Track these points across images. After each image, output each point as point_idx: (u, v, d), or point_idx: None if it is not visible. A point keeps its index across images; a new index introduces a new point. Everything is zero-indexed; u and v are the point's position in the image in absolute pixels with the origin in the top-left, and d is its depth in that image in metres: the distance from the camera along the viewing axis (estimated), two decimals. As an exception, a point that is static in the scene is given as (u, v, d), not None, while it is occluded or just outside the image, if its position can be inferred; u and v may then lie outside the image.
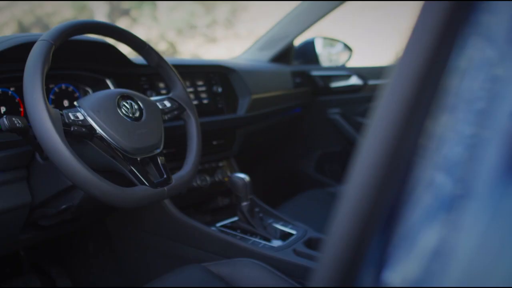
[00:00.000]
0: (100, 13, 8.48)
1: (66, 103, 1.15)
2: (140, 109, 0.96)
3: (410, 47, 0.31)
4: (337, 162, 2.11)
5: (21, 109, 1.04)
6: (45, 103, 0.78)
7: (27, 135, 0.88)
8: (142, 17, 9.01)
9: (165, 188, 0.92)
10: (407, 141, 0.31)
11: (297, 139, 2.18)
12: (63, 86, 1.15)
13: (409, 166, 0.31)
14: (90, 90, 1.20)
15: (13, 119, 0.84)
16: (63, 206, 1.01)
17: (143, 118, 0.95)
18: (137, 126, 0.93)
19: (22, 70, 0.83)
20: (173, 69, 1.08)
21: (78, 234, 1.51)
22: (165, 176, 0.95)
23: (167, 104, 1.05)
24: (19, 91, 1.03)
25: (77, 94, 1.18)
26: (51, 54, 0.84)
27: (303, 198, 1.70)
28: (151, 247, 1.36)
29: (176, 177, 0.97)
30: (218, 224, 1.33)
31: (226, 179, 1.46)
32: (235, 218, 1.35)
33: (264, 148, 2.13)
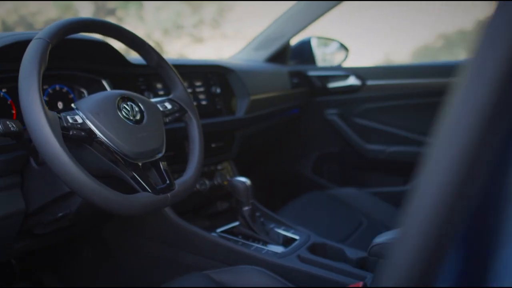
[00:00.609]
0: (85, 13, 8.36)
1: (60, 105, 1.10)
2: (141, 111, 0.91)
3: (485, 51, 0.28)
4: (335, 163, 2.08)
5: (14, 112, 0.99)
6: (43, 106, 0.73)
7: (21, 139, 0.83)
8: (128, 17, 8.90)
9: (168, 194, 0.88)
10: (489, 158, 0.27)
11: (294, 140, 2.15)
12: (57, 87, 1.10)
13: (495, 183, 0.27)
14: (85, 91, 1.15)
15: (7, 122, 0.79)
16: (60, 214, 0.96)
17: (144, 120, 0.90)
18: (138, 129, 0.88)
19: (15, 70, 0.78)
20: (174, 69, 1.03)
21: (73, 240, 1.45)
22: (168, 181, 0.90)
23: (168, 106, 1.00)
24: (12, 92, 0.98)
25: (71, 96, 1.13)
26: (47, 53, 0.79)
27: (303, 201, 1.67)
28: (150, 253, 1.32)
29: (179, 182, 0.93)
30: (219, 230, 1.29)
31: (225, 182, 1.41)
32: (236, 223, 1.31)
33: (261, 150, 2.09)
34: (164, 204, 0.87)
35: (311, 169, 2.09)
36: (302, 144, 2.14)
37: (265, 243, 1.23)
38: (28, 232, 1.03)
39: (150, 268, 1.33)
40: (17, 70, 0.77)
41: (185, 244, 1.25)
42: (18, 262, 1.41)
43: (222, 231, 1.29)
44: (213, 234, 1.26)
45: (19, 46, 0.87)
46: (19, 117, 1.00)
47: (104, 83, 1.14)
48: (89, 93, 1.15)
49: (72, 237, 1.40)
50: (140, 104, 0.92)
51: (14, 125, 0.80)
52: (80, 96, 1.15)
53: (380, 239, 1.05)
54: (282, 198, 1.82)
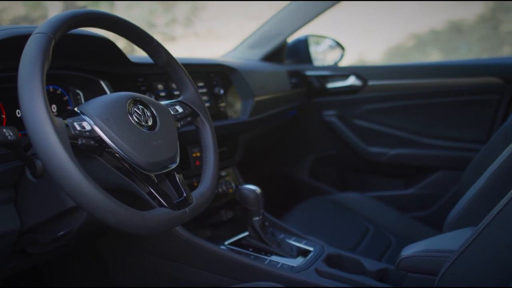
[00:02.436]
0: (54, 11, 8.09)
1: (54, 108, 0.99)
2: (153, 116, 0.81)
3: None
4: (333, 166, 2.01)
5: (4, 116, 0.88)
6: (48, 112, 0.63)
7: (18, 149, 0.72)
8: (99, 15, 8.65)
9: (187, 209, 0.78)
10: None
11: (291, 143, 2.07)
12: (51, 88, 0.99)
13: None
14: (80, 93, 1.04)
15: (4, 130, 0.68)
16: (61, 232, 0.84)
17: (157, 126, 0.81)
18: (151, 136, 0.78)
19: (7, 70, 0.67)
20: (184, 68, 0.93)
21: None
22: (184, 195, 0.80)
23: (179, 109, 0.90)
24: (1, 94, 0.86)
25: (66, 98, 1.02)
26: (51, 50, 0.69)
27: (306, 207, 1.60)
28: (151, 269, 1.21)
29: (196, 195, 0.84)
30: (227, 242, 1.20)
31: (230, 190, 1.31)
32: (244, 234, 1.22)
33: (258, 154, 2.00)
34: (182, 220, 0.78)
35: (308, 172, 2.02)
36: (299, 147, 2.06)
37: (278, 255, 1.15)
38: (21, 252, 0.92)
39: (150, 286, 1.22)
40: (9, 69, 0.66)
41: (191, 258, 1.15)
42: (2, 280, 1.29)
43: (230, 243, 1.19)
44: (222, 247, 1.16)
45: (14, 42, 0.76)
46: (10, 122, 0.88)
47: (103, 84, 1.03)
48: (85, 95, 1.04)
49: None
50: (151, 108, 0.82)
51: (11, 134, 0.69)
52: (76, 98, 1.04)
53: (407, 251, 0.98)
54: (280, 203, 1.74)
